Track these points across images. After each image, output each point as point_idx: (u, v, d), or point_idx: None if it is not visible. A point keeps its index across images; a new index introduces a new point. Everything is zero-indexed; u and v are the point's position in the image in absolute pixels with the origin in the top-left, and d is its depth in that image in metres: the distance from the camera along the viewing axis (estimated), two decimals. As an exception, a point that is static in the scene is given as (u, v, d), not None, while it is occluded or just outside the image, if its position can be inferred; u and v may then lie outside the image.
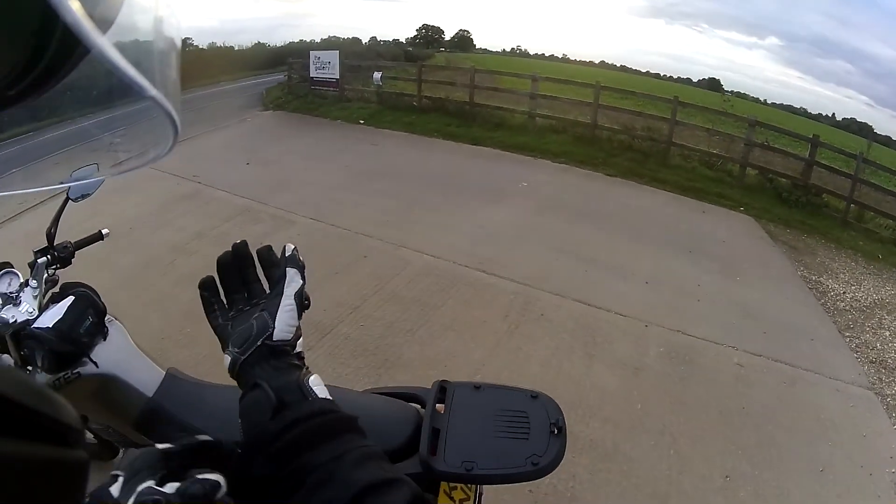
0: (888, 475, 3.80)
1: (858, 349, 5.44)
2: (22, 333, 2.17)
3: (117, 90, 0.43)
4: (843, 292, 6.80)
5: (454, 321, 5.03)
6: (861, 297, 6.75)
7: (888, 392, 4.75)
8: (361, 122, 13.12)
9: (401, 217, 7.41)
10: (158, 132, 0.47)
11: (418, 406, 2.18)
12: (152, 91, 0.37)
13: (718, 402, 4.29)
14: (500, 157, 10.28)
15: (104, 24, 0.40)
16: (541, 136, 11.79)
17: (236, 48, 25.24)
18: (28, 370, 2.25)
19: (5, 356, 2.42)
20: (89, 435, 2.96)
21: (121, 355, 2.32)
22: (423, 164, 9.96)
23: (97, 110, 0.52)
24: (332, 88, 15.61)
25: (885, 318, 6.23)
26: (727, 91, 22.14)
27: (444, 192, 8.44)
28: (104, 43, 0.32)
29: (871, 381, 4.88)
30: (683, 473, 3.57)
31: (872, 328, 5.93)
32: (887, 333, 5.86)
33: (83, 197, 2.61)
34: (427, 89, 14.32)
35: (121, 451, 2.69)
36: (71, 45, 0.41)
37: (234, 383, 2.17)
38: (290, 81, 17.15)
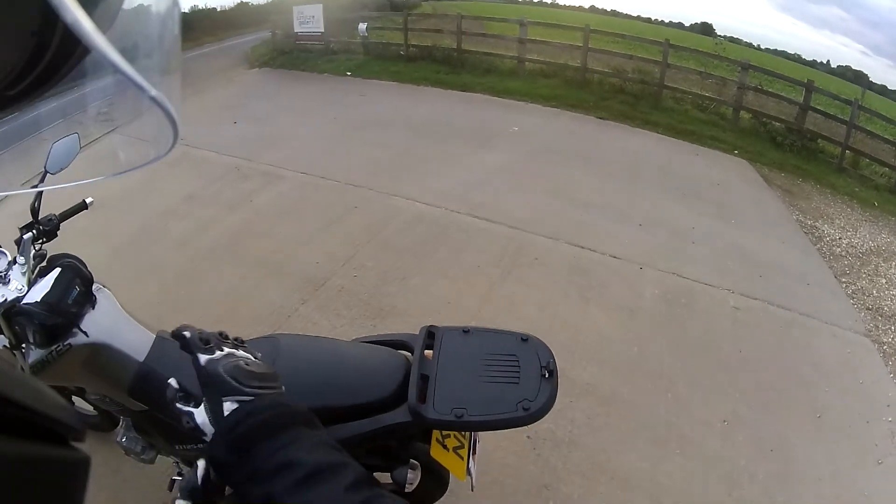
0: (885, 423, 3.81)
1: (855, 295, 5.43)
2: (12, 311, 2.17)
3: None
4: (839, 238, 6.79)
5: (448, 268, 5.00)
6: (857, 243, 6.74)
7: (885, 340, 4.75)
8: (349, 73, 12.89)
9: (391, 166, 7.32)
10: (159, 131, 0.46)
11: (407, 353, 2.16)
12: (152, 91, 0.36)
13: (716, 345, 4.28)
14: (490, 103, 10.14)
15: (104, 25, 0.40)
16: (531, 81, 11.61)
17: (219, 9, 24.88)
18: (23, 348, 2.26)
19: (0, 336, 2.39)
20: (89, 407, 3.02)
21: (110, 322, 2.31)
22: (413, 113, 9.80)
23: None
24: (317, 42, 15.33)
25: (881, 266, 6.23)
26: (720, 36, 21.93)
27: (434, 139, 8.33)
28: (104, 43, 0.31)
29: (868, 329, 4.87)
30: (682, 417, 3.56)
31: (868, 275, 5.92)
32: (883, 281, 5.86)
33: (61, 169, 2.57)
34: (414, 38, 14.07)
35: (121, 419, 2.66)
36: (71, 46, 0.41)
37: None
38: (275, 38, 16.73)
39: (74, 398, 3.36)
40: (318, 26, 15.14)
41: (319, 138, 8.67)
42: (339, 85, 12.27)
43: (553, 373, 1.86)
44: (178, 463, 2.73)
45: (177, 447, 2.48)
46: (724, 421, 3.57)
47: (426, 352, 2.06)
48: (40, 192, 2.58)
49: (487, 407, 1.81)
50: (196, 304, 4.64)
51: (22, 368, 2.45)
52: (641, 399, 3.66)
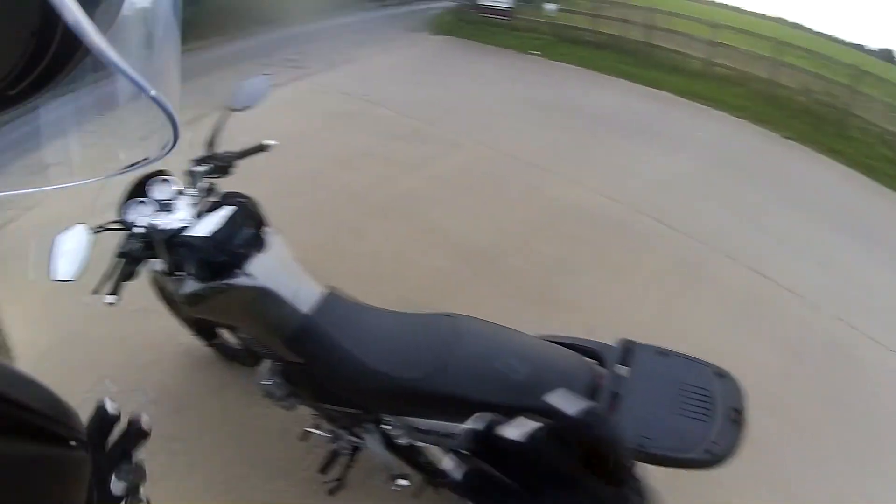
0: None
1: None
2: (175, 240, 2.15)
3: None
4: None
5: (625, 268, 4.78)
6: None
7: None
8: (534, 52, 12.51)
9: (575, 153, 7.04)
10: (160, 130, 0.46)
11: (594, 361, 2.02)
12: (152, 91, 0.37)
13: (879, 411, 3.76)
14: (676, 104, 9.58)
15: (105, 25, 0.40)
16: (718, 87, 10.94)
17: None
18: (178, 275, 2.24)
19: (157, 262, 2.38)
20: (235, 341, 3.14)
21: (278, 269, 2.27)
22: (598, 101, 9.37)
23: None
24: (503, 17, 15.12)
25: None
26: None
27: (618, 131, 7.89)
28: (104, 44, 0.31)
29: None
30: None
31: None
32: None
33: (245, 108, 2.53)
34: (601, 25, 13.64)
35: (263, 361, 2.65)
36: (71, 46, 0.41)
37: (396, 308, 2.38)
38: (461, 8, 16.63)
39: (220, 330, 3.42)
40: (506, 1, 14.94)
41: (502, 113, 8.48)
42: (524, 63, 11.96)
43: (743, 418, 1.72)
44: (318, 416, 2.69)
45: (324, 405, 2.44)
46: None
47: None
48: (218, 128, 2.52)
49: (671, 442, 1.68)
50: (360, 258, 4.64)
51: (173, 294, 2.44)
52: (788, 454, 3.30)
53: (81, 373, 3.82)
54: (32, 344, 4.17)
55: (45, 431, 0.53)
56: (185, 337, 3.61)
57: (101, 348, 4.04)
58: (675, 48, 12.44)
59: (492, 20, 15.16)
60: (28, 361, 3.99)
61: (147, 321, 4.05)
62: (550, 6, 14.21)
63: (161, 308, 3.48)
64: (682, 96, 9.76)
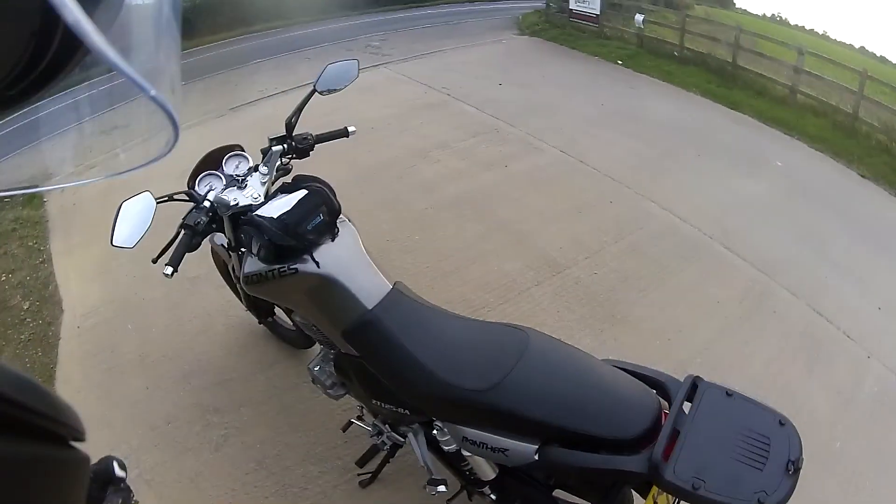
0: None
1: None
2: (242, 218, 2.14)
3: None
4: None
5: (689, 292, 4.76)
6: None
7: None
8: (619, 62, 12.29)
9: (651, 168, 6.93)
10: (160, 131, 0.45)
11: (653, 391, 2.02)
12: (152, 91, 0.36)
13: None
14: (757, 129, 9.26)
15: (105, 25, 0.40)
16: (800, 115, 10.51)
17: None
18: (241, 252, 2.25)
19: (218, 235, 2.43)
20: (290, 323, 3.05)
21: (347, 260, 2.25)
22: (680, 118, 9.13)
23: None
24: (591, 23, 14.87)
25: None
26: None
27: (697, 150, 7.71)
28: (104, 44, 0.31)
29: None
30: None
31: None
32: None
33: (330, 91, 2.52)
34: (688, 40, 13.27)
35: (317, 346, 2.67)
36: (71, 46, 0.41)
37: (456, 309, 2.32)
38: (549, 10, 16.40)
39: (276, 309, 3.42)
40: (595, 7, 14.74)
41: (583, 120, 8.41)
42: (609, 71, 11.76)
43: (798, 471, 1.67)
44: (363, 408, 2.70)
45: (373, 401, 2.40)
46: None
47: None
48: (300, 109, 2.50)
49: (725, 486, 1.64)
50: (427, 251, 4.73)
51: (233, 269, 2.50)
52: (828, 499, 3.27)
53: (126, 333, 3.96)
54: (83, 299, 4.36)
55: (45, 431, 0.52)
56: (238, 311, 3.66)
57: (151, 312, 4.17)
58: (761, 71, 12.04)
59: (578, 25, 15.00)
60: (75, 316, 4.18)
61: (200, 291, 4.21)
62: (638, 17, 13.98)
63: (216, 279, 3.57)
64: (763, 121, 9.50)
